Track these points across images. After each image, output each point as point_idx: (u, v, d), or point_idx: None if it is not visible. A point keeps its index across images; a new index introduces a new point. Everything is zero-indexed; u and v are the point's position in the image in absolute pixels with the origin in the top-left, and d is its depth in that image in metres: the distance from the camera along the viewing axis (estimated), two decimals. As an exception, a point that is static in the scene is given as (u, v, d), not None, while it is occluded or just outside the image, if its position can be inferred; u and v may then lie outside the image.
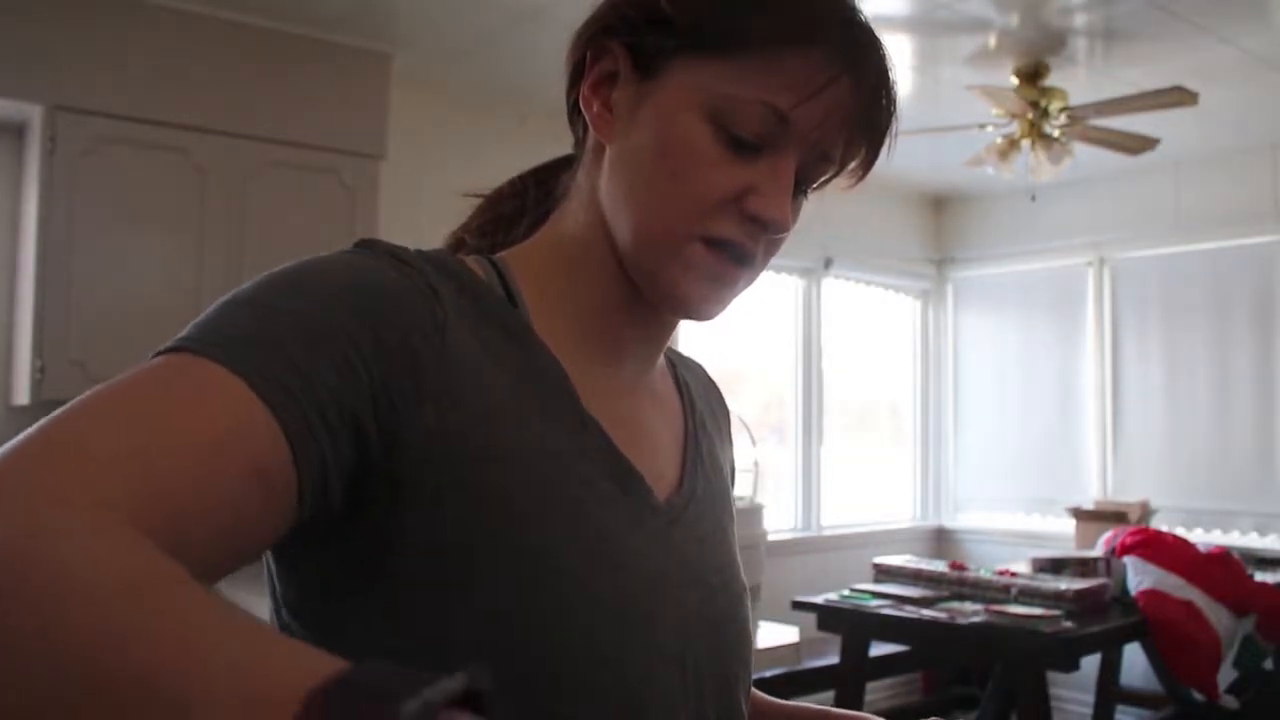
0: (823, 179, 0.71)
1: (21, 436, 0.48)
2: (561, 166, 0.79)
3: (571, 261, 0.72)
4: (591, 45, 0.71)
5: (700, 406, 0.85)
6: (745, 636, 0.76)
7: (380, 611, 0.60)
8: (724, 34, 0.66)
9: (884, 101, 0.69)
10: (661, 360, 0.83)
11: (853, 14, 0.68)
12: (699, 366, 0.92)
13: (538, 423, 0.65)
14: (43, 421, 0.49)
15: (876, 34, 0.69)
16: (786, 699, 0.94)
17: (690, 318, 0.72)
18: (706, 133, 0.66)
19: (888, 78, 0.69)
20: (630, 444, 0.71)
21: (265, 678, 0.36)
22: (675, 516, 0.72)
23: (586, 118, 0.71)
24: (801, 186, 0.71)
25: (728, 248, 0.68)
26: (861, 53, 0.67)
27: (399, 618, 0.60)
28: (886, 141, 0.71)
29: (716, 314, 0.72)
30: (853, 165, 0.71)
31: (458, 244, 0.82)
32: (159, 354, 0.55)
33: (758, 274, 0.72)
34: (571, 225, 0.73)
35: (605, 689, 0.62)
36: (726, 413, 0.92)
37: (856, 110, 0.67)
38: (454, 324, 0.63)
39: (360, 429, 0.57)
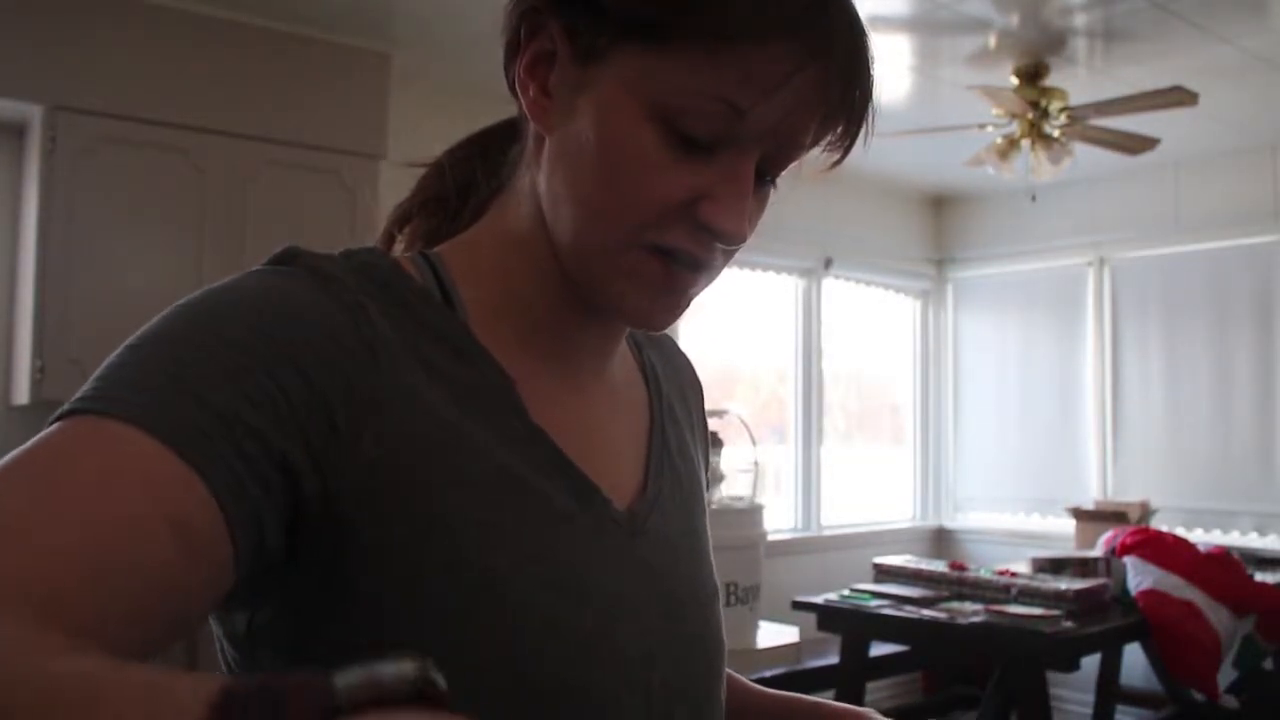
0: (792, 164, 0.64)
1: None
2: (508, 136, 0.71)
3: (514, 260, 0.66)
4: (525, 20, 0.62)
5: (668, 391, 0.78)
6: (715, 645, 0.72)
7: (330, 650, 0.57)
8: (666, 25, 0.57)
9: (859, 81, 0.60)
10: (624, 348, 0.76)
11: None
12: (669, 341, 0.84)
13: (482, 439, 0.60)
14: None
15: (847, 5, 0.60)
16: None
17: (638, 328, 0.67)
18: (652, 132, 0.58)
19: (862, 56, 0.60)
20: (585, 452, 0.65)
21: (173, 692, 0.37)
22: (638, 526, 0.67)
23: (523, 102, 0.63)
24: (768, 176, 0.63)
25: (677, 256, 0.61)
26: (829, 36, 0.58)
27: (349, 655, 0.58)
28: (866, 121, 0.62)
29: (669, 323, 0.65)
30: (828, 141, 0.63)
31: (396, 226, 0.76)
32: (58, 418, 0.51)
33: (717, 275, 0.65)
34: (514, 220, 0.67)
35: (563, 716, 0.60)
36: (698, 389, 0.85)
37: (828, 96, 0.59)
38: (385, 342, 0.58)
39: (289, 467, 0.53)
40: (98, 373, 0.54)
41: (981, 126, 3.58)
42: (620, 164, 0.59)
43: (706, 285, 0.65)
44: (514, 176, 0.69)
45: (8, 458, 0.49)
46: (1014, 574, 3.26)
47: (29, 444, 0.49)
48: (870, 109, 0.62)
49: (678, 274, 0.62)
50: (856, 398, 5.47)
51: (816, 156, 0.65)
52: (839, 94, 0.60)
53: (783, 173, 0.64)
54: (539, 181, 0.65)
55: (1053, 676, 3.22)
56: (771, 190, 0.65)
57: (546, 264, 0.66)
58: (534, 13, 0.62)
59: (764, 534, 3.43)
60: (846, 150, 0.64)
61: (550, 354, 0.67)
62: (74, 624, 0.43)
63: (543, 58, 0.62)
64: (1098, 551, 3.52)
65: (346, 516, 0.55)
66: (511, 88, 0.65)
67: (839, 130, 0.62)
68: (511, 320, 0.66)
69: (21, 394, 2.85)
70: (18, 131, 2.99)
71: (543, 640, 0.59)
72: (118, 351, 0.55)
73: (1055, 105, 3.44)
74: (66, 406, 0.51)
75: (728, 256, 0.64)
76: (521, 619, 0.58)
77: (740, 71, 0.57)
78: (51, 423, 0.51)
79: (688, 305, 0.65)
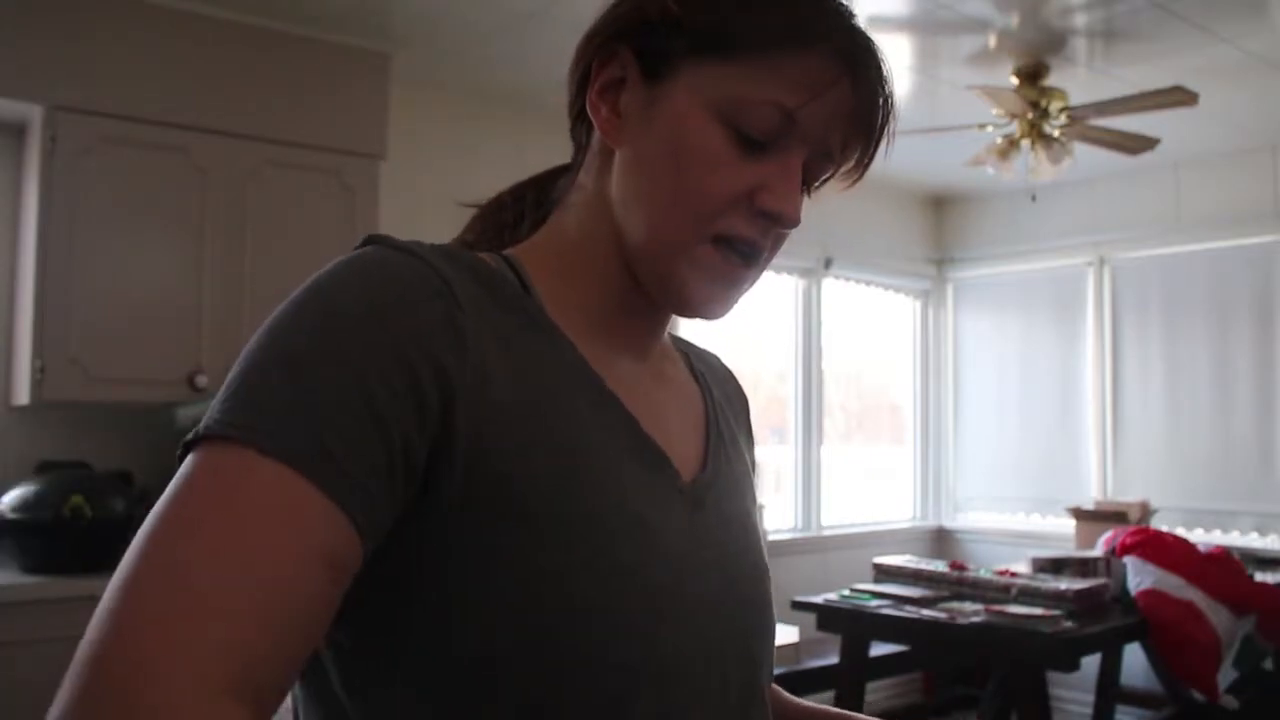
0: (824, 177, 0.73)
1: (108, 613, 0.51)
2: (559, 174, 0.81)
3: (572, 261, 0.74)
4: (599, 53, 0.72)
5: (718, 394, 0.86)
6: (768, 618, 0.77)
7: (421, 611, 0.61)
8: (731, 36, 0.67)
9: (881, 103, 0.71)
10: (672, 350, 0.85)
11: (853, 19, 0.70)
12: (714, 357, 0.93)
13: (565, 407, 0.66)
14: (120, 586, 0.52)
15: (874, 40, 0.71)
16: None
17: (698, 317, 0.73)
18: (717, 133, 0.67)
19: (885, 81, 0.71)
20: (651, 427, 0.72)
21: None
22: (699, 499, 0.73)
23: (595, 122, 0.72)
24: (806, 184, 0.72)
25: (737, 246, 0.69)
26: (862, 56, 0.69)
27: (440, 617, 0.61)
28: (883, 142, 0.72)
29: (723, 314, 0.73)
30: (849, 165, 0.73)
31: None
32: (202, 438, 0.57)
33: (763, 270, 0.74)
34: (574, 226, 0.75)
35: (636, 666, 0.63)
36: (745, 402, 0.93)
37: (855, 111, 0.69)
38: (471, 319, 0.63)
39: (410, 463, 0.59)
40: (228, 389, 0.58)
41: (981, 126, 3.58)
42: (692, 162, 0.68)
43: (755, 281, 0.74)
44: (564, 197, 0.78)
45: (170, 498, 0.55)
46: (1014, 574, 3.26)
47: (184, 485, 0.55)
48: (889, 128, 0.72)
49: (735, 266, 0.70)
50: (856, 398, 5.47)
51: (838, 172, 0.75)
52: (866, 107, 0.70)
53: (815, 184, 0.74)
54: (608, 191, 0.73)
55: (1053, 676, 3.22)
56: (805, 197, 0.74)
57: (603, 264, 0.73)
58: (608, 42, 0.71)
59: (764, 534, 3.43)
60: (865, 165, 0.73)
61: (617, 346, 0.75)
62: (257, 688, 0.51)
63: (613, 83, 0.72)
64: (1098, 551, 3.52)
65: (443, 483, 0.60)
66: (577, 116, 0.75)
67: (860, 145, 0.71)
68: (570, 313, 0.72)
69: (21, 394, 2.85)
70: (18, 131, 2.99)
71: (620, 586, 0.63)
72: (241, 365, 0.59)
73: (1055, 105, 3.44)
74: (206, 428, 0.57)
75: (773, 251, 0.73)
76: (601, 569, 0.63)
77: (790, 78, 0.67)
78: (192, 441, 0.57)
79: (738, 299, 0.74)
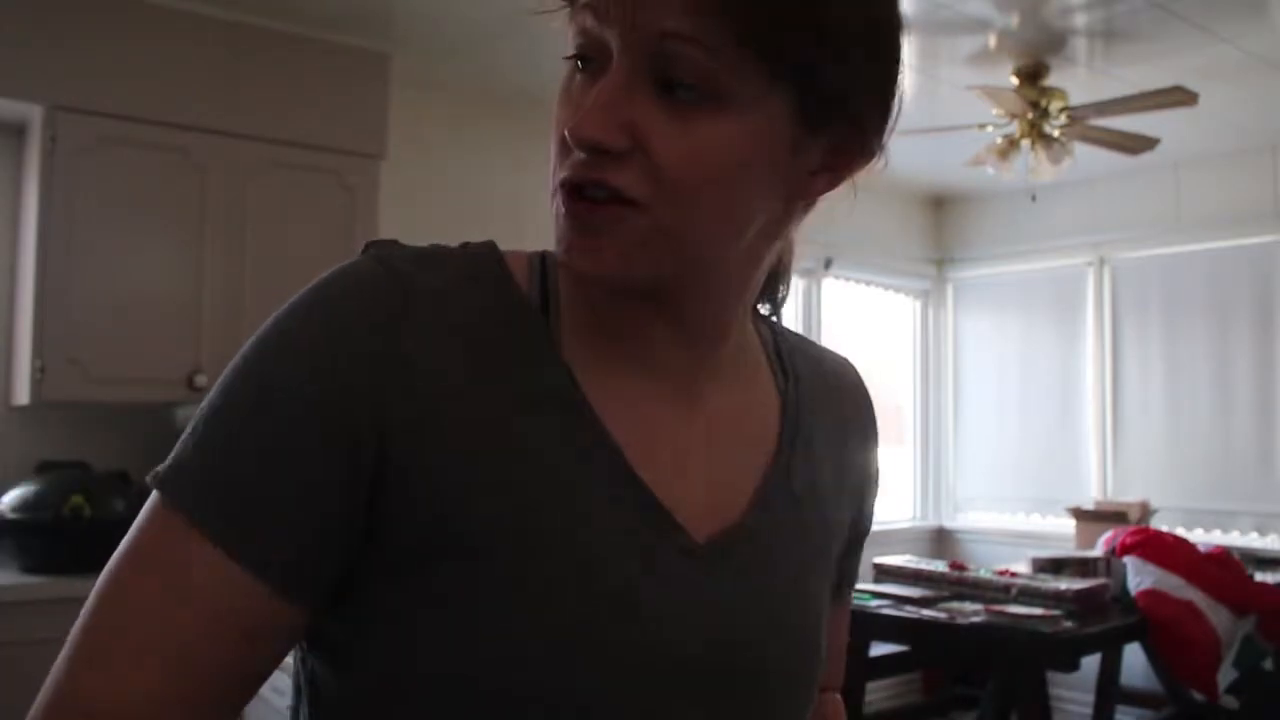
0: (697, 62, 0.56)
1: (51, 681, 0.57)
2: None
3: None
4: None
5: (809, 423, 0.73)
6: (793, 689, 0.68)
7: (372, 643, 0.59)
8: None
9: None
10: (763, 364, 0.74)
11: None
12: (844, 369, 0.81)
13: (535, 443, 0.60)
14: (65, 658, 0.57)
15: None
16: None
17: (573, 271, 0.62)
18: (566, 74, 0.62)
19: None
20: (665, 473, 0.64)
21: None
22: (720, 555, 0.64)
23: None
24: (678, 82, 0.57)
25: (567, 186, 0.59)
26: None
27: (390, 650, 0.59)
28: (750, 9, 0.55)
29: (588, 263, 0.59)
30: (742, 43, 0.56)
31: None
32: (156, 484, 0.59)
33: (655, 216, 0.58)
34: None
35: None
36: (865, 427, 0.79)
37: None
38: (436, 344, 0.59)
39: (348, 511, 0.58)
40: (189, 427, 0.60)
41: (981, 126, 3.58)
42: (558, 108, 0.62)
43: (633, 226, 0.58)
44: None
45: (121, 550, 0.59)
46: (1014, 574, 3.26)
47: (130, 539, 0.59)
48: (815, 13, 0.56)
49: (577, 202, 0.58)
50: (856, 398, 5.46)
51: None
52: None
53: (696, 78, 0.56)
54: None
55: (1053, 676, 3.22)
56: (702, 112, 0.57)
57: None
58: None
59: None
60: (756, 37, 0.56)
61: (632, 361, 0.65)
62: None
63: None
64: (1098, 551, 3.52)
65: (387, 521, 0.58)
66: None
67: (728, 14, 0.55)
68: (599, 332, 0.65)
69: (22, 394, 2.85)
70: (18, 131, 2.99)
71: (582, 656, 0.58)
72: (204, 402, 0.60)
73: (1055, 105, 3.44)
74: (158, 477, 0.59)
75: (664, 189, 0.57)
76: (557, 632, 0.58)
77: None
78: (153, 483, 0.59)
79: (609, 248, 0.59)
